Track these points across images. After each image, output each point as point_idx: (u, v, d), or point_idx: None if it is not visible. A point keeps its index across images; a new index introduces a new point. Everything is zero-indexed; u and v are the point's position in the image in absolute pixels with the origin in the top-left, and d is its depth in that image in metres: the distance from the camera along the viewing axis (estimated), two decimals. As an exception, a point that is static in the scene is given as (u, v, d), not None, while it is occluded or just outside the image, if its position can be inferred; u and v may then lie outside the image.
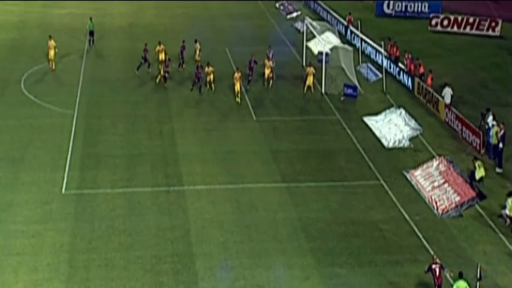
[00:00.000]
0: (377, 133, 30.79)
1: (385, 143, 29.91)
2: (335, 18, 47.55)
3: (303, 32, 41.29)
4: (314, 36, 40.34)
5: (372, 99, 34.99)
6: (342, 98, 34.75)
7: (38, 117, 31.25)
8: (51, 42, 37.25)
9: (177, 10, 52.57)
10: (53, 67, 37.25)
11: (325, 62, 36.08)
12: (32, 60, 38.17)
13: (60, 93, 34.09)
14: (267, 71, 35.97)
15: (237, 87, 33.79)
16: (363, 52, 41.34)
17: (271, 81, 36.12)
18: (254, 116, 32.57)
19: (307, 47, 40.71)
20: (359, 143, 29.87)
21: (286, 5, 53.94)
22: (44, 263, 20.77)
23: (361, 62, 39.85)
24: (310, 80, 34.67)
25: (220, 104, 33.87)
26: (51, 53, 37.14)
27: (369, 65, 39.26)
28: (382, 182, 26.59)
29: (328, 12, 49.26)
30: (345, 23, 45.65)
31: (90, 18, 41.57)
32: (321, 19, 48.22)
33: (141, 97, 34.39)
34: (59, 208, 23.89)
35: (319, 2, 52.02)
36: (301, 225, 23.41)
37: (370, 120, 32.02)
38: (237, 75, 33.85)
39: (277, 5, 54.55)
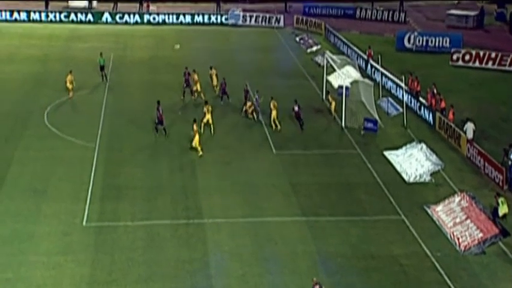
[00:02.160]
0: (397, 167, 30.62)
1: (405, 178, 29.71)
2: (355, 52, 47.82)
3: (323, 66, 41.53)
4: (334, 70, 40.56)
5: (393, 134, 34.91)
6: (362, 132, 34.72)
7: (60, 149, 31.63)
8: (70, 77, 38.17)
9: (197, 43, 53.31)
10: (71, 95, 37.89)
11: (345, 96, 36.18)
12: (55, 93, 38.81)
13: (82, 126, 34.53)
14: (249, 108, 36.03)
15: (274, 115, 34.41)
16: (383, 86, 41.40)
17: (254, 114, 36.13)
18: (274, 149, 32.64)
19: (327, 81, 40.91)
20: (379, 177, 29.71)
21: (306, 38, 54.44)
22: (64, 294, 20.82)
23: (382, 96, 39.89)
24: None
25: (240, 136, 34.02)
26: (70, 86, 38.07)
27: (390, 99, 39.26)
28: (402, 216, 26.37)
29: (348, 46, 49.57)
30: (365, 57, 45.87)
31: (101, 54, 42.24)
32: (341, 53, 48.53)
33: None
34: (79, 240, 24.01)
35: (340, 36, 52.41)
36: (321, 259, 23.25)
37: (390, 155, 31.89)
38: (274, 103, 34.50)
39: (297, 38, 55.07)
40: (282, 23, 59.74)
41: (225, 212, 26.38)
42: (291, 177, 29.58)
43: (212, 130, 34.00)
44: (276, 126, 34.42)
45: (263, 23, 59.94)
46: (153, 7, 63.06)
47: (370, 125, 34.89)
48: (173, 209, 26.46)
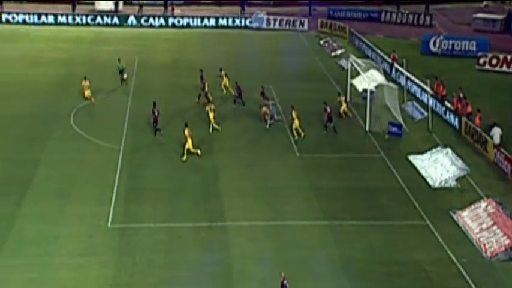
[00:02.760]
0: (422, 172, 30.27)
1: (431, 183, 29.35)
2: (379, 56, 47.47)
3: (347, 70, 41.29)
4: (358, 74, 40.29)
5: (417, 138, 34.52)
6: (387, 137, 34.40)
7: (85, 152, 31.85)
8: (86, 83, 38.39)
9: (221, 47, 53.44)
10: (93, 101, 38.25)
11: (370, 100, 35.90)
12: (81, 96, 39.15)
13: (107, 128, 34.77)
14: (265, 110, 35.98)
15: (296, 124, 33.88)
16: (408, 90, 41.01)
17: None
18: (297, 152, 32.50)
19: (351, 85, 40.65)
20: (403, 182, 29.39)
21: (330, 42, 54.22)
22: (87, 295, 20.96)
23: (406, 100, 39.51)
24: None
25: (262, 139, 33.94)
26: (87, 92, 38.27)
27: (415, 103, 38.86)
28: (427, 222, 26.05)
29: (372, 49, 49.23)
30: (390, 60, 45.48)
31: (119, 59, 42.52)
32: (366, 57, 48.20)
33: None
34: (103, 242, 24.16)
35: (364, 39, 52.08)
36: (342, 264, 23.07)
37: (415, 159, 31.53)
38: (294, 113, 33.95)
39: (321, 42, 54.87)
40: (306, 27, 59.57)
41: (247, 215, 26.32)
42: (313, 181, 29.42)
43: (211, 129, 34.19)
44: (298, 134, 34.02)
45: (287, 27, 59.83)
46: (177, 10, 63.42)
47: (394, 129, 34.56)
48: (195, 212, 26.49)
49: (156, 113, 34.03)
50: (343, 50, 51.66)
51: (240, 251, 23.79)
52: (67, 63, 46.97)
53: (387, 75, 42.81)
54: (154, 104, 34.40)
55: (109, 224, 25.31)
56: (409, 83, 41.54)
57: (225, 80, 40.24)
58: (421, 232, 25.32)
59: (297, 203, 27.39)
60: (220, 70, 40.84)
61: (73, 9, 61.57)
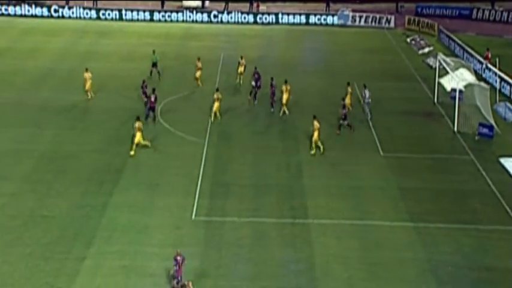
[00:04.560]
0: (515, 176, 29.12)
1: (524, 187, 28.20)
2: (470, 54, 45.84)
3: (435, 68, 40.18)
4: (447, 73, 39.12)
5: (510, 140, 33.18)
6: (477, 138, 33.25)
7: (172, 145, 32.56)
8: (87, 74, 38.69)
9: (307, 44, 53.29)
10: (89, 97, 38.53)
11: (459, 100, 34.79)
12: (171, 89, 40.07)
13: (193, 123, 35.40)
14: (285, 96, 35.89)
15: (315, 136, 31.30)
16: (500, 91, 39.43)
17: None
18: (381, 151, 31.99)
19: (439, 83, 39.53)
20: (494, 186, 28.36)
21: (418, 39, 52.91)
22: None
23: (499, 100, 38.02)
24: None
25: (347, 137, 33.61)
26: (87, 84, 38.50)
27: (508, 104, 37.33)
28: (520, 228, 25.05)
29: (463, 48, 47.61)
30: (482, 59, 43.84)
31: (153, 51, 42.83)
32: (455, 55, 46.74)
33: (264, 128, 34.91)
34: (189, 233, 24.69)
35: (454, 37, 50.45)
36: (431, 268, 22.52)
37: (507, 162, 30.32)
38: (316, 123, 31.30)
39: (408, 40, 53.66)
40: (392, 24, 58.44)
41: (331, 213, 26.17)
42: (398, 181, 28.88)
43: (212, 117, 34.87)
44: (317, 147, 31.25)
45: (373, 24, 58.93)
46: (263, 7, 63.76)
47: (485, 130, 33.37)
48: (279, 208, 26.58)
49: (153, 99, 34.50)
50: (431, 48, 50.32)
51: (324, 249, 23.68)
52: (159, 58, 48.05)
53: (478, 75, 41.39)
54: (154, 90, 34.90)
55: (193, 216, 25.78)
56: (502, 83, 39.93)
57: (242, 68, 40.64)
58: (513, 238, 24.40)
59: (382, 203, 26.98)
60: (241, 58, 41.19)
61: (162, 5, 63.15)
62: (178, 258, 21.10)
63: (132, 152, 31.01)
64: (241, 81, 41.16)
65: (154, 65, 42.48)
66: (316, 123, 31.05)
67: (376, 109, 36.69)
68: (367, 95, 36.12)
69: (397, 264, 22.76)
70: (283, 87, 36.32)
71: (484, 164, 30.37)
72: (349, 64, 47.33)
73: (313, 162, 30.83)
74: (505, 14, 58.87)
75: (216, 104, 35.39)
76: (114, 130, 34.22)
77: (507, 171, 29.67)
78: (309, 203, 26.90)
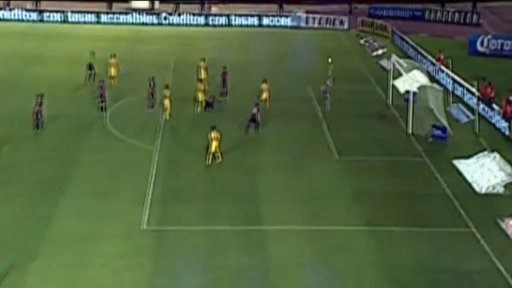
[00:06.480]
0: (468, 177, 29.19)
1: (477, 189, 28.29)
2: (423, 56, 46.20)
3: (389, 70, 40.25)
4: (400, 75, 39.22)
5: (463, 142, 33.38)
6: (430, 140, 33.36)
7: (121, 152, 31.58)
8: (113, 60, 39.31)
9: (258, 45, 52.81)
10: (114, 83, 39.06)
11: (413, 102, 34.85)
12: (119, 93, 38.98)
13: (143, 128, 34.45)
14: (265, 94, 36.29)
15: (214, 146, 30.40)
16: (453, 92, 39.78)
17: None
18: (336, 155, 31.75)
19: (393, 86, 39.61)
20: (448, 188, 28.42)
21: (371, 41, 53.12)
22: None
23: (452, 102, 38.31)
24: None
25: (300, 141, 33.22)
26: (113, 70, 39.12)
27: (460, 105, 37.67)
28: (473, 229, 25.07)
29: (416, 50, 47.97)
30: (434, 61, 44.19)
31: (93, 53, 41.69)
32: (409, 57, 47.03)
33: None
34: (140, 243, 23.79)
35: (407, 39, 50.78)
36: (386, 272, 22.32)
37: (460, 164, 30.43)
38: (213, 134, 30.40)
39: (362, 41, 53.83)
40: (346, 26, 58.57)
41: (286, 219, 25.69)
42: (354, 185, 28.63)
43: (167, 116, 34.95)
44: (215, 158, 30.21)
45: (327, 25, 58.93)
46: (215, 8, 63.00)
47: (438, 132, 33.51)
48: (234, 215, 25.94)
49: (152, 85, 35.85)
50: (384, 50, 50.55)
51: (280, 255, 23.18)
52: (106, 63, 46.79)
53: (431, 77, 41.69)
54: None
55: (144, 226, 24.93)
56: (454, 84, 40.30)
57: (203, 71, 39.60)
58: (467, 240, 24.37)
59: (337, 208, 26.68)
60: (203, 60, 40.27)
61: (110, 7, 61.65)
62: None
63: (208, 162, 29.93)
64: (206, 86, 39.91)
65: (90, 67, 41.12)
66: (213, 133, 29.88)
67: (331, 112, 36.55)
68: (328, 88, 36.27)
69: (354, 269, 22.48)
70: (263, 86, 36.66)
71: (438, 166, 30.44)
72: (301, 66, 47.04)
73: (268, 167, 30.34)
74: (457, 15, 59.74)
75: (167, 101, 34.84)
76: (60, 137, 32.99)
77: (460, 172, 29.78)
78: (263, 209, 26.38)
